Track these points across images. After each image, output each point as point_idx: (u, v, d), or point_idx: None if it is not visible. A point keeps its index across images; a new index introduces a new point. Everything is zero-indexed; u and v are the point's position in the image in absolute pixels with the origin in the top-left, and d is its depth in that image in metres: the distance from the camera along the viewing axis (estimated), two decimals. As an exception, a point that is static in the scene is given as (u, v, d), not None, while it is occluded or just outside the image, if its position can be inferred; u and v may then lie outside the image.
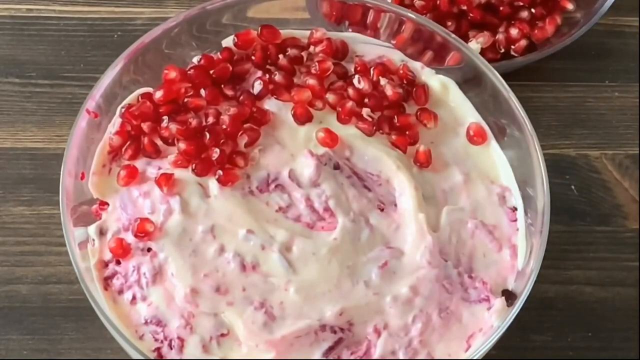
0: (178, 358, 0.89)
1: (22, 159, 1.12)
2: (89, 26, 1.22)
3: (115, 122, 0.99)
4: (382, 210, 0.97)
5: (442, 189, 0.99)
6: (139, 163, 0.98)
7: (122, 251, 0.93)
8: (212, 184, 0.96)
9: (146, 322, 0.91)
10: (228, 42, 1.04)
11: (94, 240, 0.95)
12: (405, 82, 1.04)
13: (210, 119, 0.98)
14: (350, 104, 1.00)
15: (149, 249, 0.93)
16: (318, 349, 0.91)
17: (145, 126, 0.98)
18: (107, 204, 0.97)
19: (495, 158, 1.02)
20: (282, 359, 0.89)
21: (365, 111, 1.01)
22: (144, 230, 0.93)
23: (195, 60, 1.02)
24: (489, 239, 0.97)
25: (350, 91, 1.02)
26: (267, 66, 1.03)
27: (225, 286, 0.92)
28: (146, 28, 1.09)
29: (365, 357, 0.91)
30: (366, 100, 1.01)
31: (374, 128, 1.00)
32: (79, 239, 0.94)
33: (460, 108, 1.04)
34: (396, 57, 1.06)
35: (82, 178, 0.97)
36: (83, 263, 0.92)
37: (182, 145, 0.96)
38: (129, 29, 1.22)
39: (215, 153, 0.95)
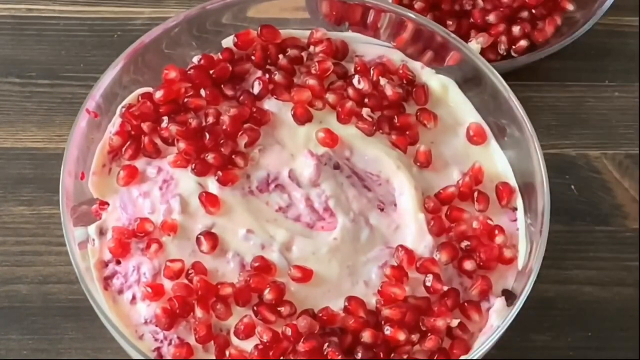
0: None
1: (22, 159, 1.12)
2: (89, 26, 1.22)
3: (115, 122, 0.99)
4: (382, 210, 0.97)
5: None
6: (139, 163, 0.98)
7: (121, 251, 0.93)
8: (212, 183, 0.96)
9: (146, 322, 0.91)
10: (228, 42, 1.04)
11: (94, 240, 0.95)
12: (405, 82, 1.04)
13: (210, 119, 0.98)
14: (350, 104, 1.00)
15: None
16: (318, 348, 0.91)
17: (145, 126, 0.98)
18: (107, 203, 0.97)
19: (495, 158, 1.02)
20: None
21: (365, 111, 1.01)
22: (143, 230, 0.93)
23: (195, 60, 1.02)
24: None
25: (350, 91, 1.02)
26: (267, 66, 1.03)
27: (225, 286, 0.92)
28: (146, 28, 1.09)
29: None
30: (366, 100, 1.01)
31: (374, 128, 1.00)
32: (79, 238, 0.94)
33: (460, 108, 1.04)
34: (396, 57, 1.06)
35: (82, 178, 0.97)
36: (83, 263, 0.92)
37: (181, 145, 0.96)
38: (129, 29, 1.22)
39: (210, 158, 0.95)
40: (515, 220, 0.99)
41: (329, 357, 0.87)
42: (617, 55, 1.24)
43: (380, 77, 1.02)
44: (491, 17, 1.18)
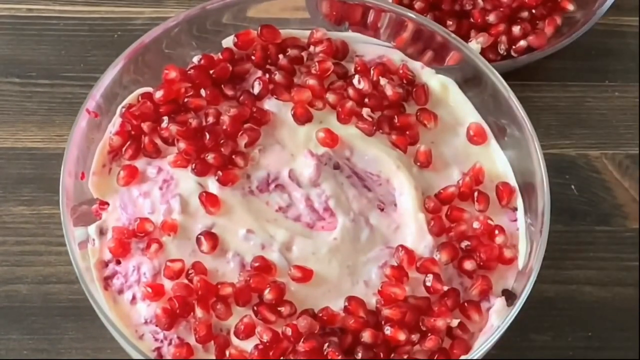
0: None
1: (22, 158, 1.12)
2: (89, 26, 1.22)
3: (116, 122, 0.99)
4: (382, 210, 0.97)
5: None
6: (139, 163, 0.98)
7: (121, 251, 0.93)
8: (212, 183, 0.96)
9: (146, 322, 0.91)
10: (228, 42, 1.04)
11: (94, 240, 0.95)
12: (405, 82, 1.04)
13: (210, 119, 0.98)
14: (350, 103, 1.00)
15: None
16: (318, 348, 0.91)
17: (145, 126, 0.98)
18: (107, 203, 0.97)
19: (495, 158, 1.02)
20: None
21: (365, 111, 1.01)
22: (143, 230, 0.93)
23: (195, 60, 1.02)
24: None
25: (350, 91, 1.02)
26: (267, 66, 1.03)
27: (225, 286, 0.92)
28: (146, 28, 1.09)
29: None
30: (366, 100, 1.01)
31: (374, 128, 1.00)
32: (79, 238, 0.94)
33: (460, 108, 1.04)
34: (396, 57, 1.06)
35: (82, 178, 0.97)
36: (83, 263, 0.92)
37: (182, 145, 0.96)
38: (129, 29, 1.22)
39: (211, 158, 0.95)
40: (516, 220, 0.99)
41: (329, 357, 0.87)
42: (617, 55, 1.24)
43: (380, 77, 1.02)
44: (491, 17, 1.18)
